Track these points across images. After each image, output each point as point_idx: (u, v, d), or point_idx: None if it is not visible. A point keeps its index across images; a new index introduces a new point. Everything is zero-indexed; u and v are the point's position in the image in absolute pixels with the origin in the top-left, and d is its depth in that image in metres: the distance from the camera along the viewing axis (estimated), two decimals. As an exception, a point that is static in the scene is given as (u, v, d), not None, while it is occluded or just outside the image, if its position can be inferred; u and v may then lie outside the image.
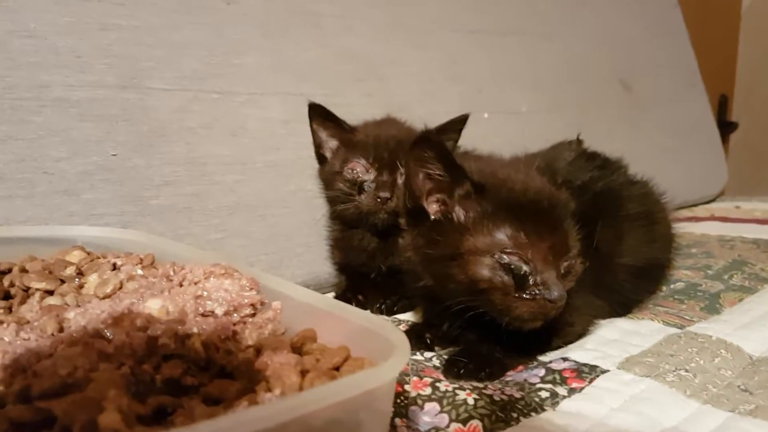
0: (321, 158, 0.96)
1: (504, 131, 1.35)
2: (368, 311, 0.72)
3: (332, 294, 0.95)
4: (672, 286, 0.96)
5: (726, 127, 2.85)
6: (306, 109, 0.97)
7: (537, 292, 0.62)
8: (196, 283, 0.60)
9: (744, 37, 3.22)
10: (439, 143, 0.67)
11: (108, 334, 0.51)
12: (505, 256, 0.62)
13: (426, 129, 0.91)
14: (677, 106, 1.91)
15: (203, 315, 0.57)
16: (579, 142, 0.72)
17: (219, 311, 0.57)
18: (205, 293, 0.58)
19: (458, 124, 0.94)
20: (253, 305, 0.58)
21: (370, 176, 0.88)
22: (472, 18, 1.41)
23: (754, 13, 3.13)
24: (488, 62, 1.40)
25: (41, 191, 0.78)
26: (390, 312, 0.88)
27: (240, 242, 0.93)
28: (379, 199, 0.85)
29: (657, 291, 0.89)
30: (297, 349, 0.51)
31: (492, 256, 0.63)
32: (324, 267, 1.01)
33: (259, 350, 0.51)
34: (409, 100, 1.18)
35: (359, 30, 1.18)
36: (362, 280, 0.94)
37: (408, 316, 0.87)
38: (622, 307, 0.82)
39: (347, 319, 0.52)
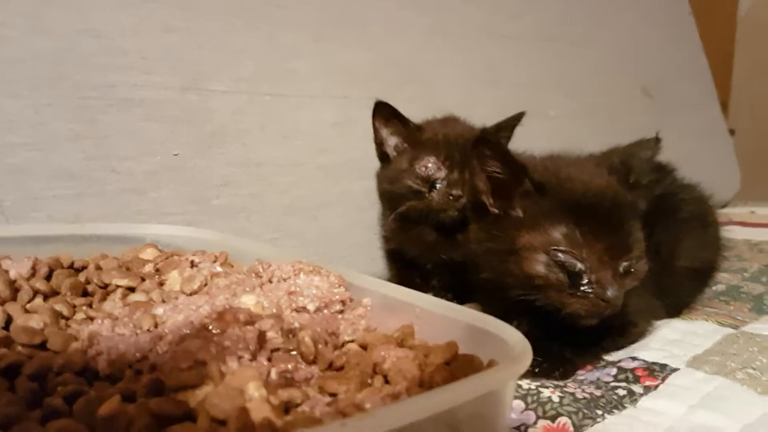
0: (383, 156, 0.97)
1: (534, 135, 1.36)
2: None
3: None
4: (714, 288, 0.97)
5: (724, 133, 2.89)
6: (353, 112, 0.99)
7: (591, 290, 0.63)
8: (285, 280, 0.61)
9: (740, 44, 3.27)
10: (496, 143, 0.69)
11: (214, 329, 0.52)
12: (559, 254, 0.64)
13: (484, 129, 0.94)
14: (694, 112, 1.94)
15: (296, 311, 0.58)
16: (657, 140, 0.73)
17: (311, 307, 0.58)
18: (297, 289, 0.59)
19: (514, 121, 0.97)
20: (342, 302, 0.59)
21: (442, 174, 0.89)
22: (507, 24, 1.43)
23: (751, 20, 3.17)
24: (521, 67, 1.42)
25: (110, 189, 0.79)
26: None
27: (294, 242, 0.95)
28: (451, 197, 0.87)
29: (704, 292, 0.91)
30: (399, 344, 0.53)
31: (547, 253, 0.64)
32: (371, 267, 1.03)
33: (363, 346, 0.52)
34: (450, 104, 1.19)
35: (403, 36, 1.20)
36: (414, 273, 0.95)
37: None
38: (675, 309, 0.84)
39: (444, 316, 0.54)
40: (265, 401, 0.39)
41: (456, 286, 0.91)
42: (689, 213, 0.82)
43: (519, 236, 0.66)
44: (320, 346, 0.51)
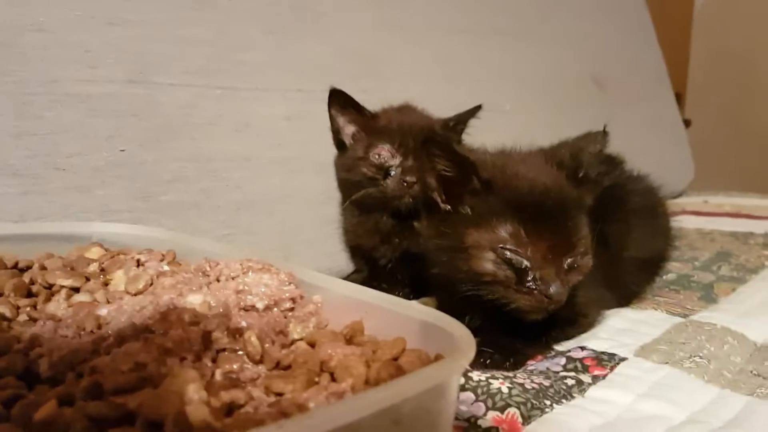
0: (339, 144, 0.97)
1: (489, 129, 1.37)
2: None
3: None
4: (664, 277, 0.99)
5: (679, 124, 2.96)
6: (308, 106, 0.99)
7: (535, 287, 0.64)
8: (234, 278, 0.60)
9: (696, 36, 3.33)
10: (445, 142, 0.69)
11: (157, 330, 0.51)
12: (506, 252, 0.65)
13: (440, 125, 0.95)
14: (646, 103, 1.97)
15: (245, 310, 0.57)
16: (605, 133, 0.74)
17: (260, 305, 0.57)
18: (246, 288, 0.58)
19: (471, 114, 0.99)
20: (293, 299, 0.59)
21: (396, 161, 0.90)
22: (462, 18, 1.43)
23: (706, 12, 3.23)
24: (478, 61, 1.42)
25: (55, 187, 0.77)
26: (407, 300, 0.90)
27: (248, 238, 0.93)
28: (405, 183, 0.87)
29: (654, 282, 0.93)
30: (348, 341, 0.52)
31: (494, 250, 0.65)
32: (328, 262, 1.02)
33: (311, 344, 0.52)
34: (405, 98, 1.19)
35: (357, 28, 1.19)
36: (380, 268, 0.96)
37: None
38: (625, 298, 0.85)
39: (392, 311, 0.53)
40: (205, 403, 0.38)
41: (420, 280, 0.91)
42: (638, 204, 0.83)
43: (467, 234, 0.67)
44: (267, 345, 0.50)
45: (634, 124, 1.87)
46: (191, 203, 0.88)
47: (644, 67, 2.04)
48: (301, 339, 0.54)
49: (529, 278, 0.64)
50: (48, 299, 0.63)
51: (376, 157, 0.91)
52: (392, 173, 0.90)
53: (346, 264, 1.04)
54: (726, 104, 3.16)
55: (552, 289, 0.63)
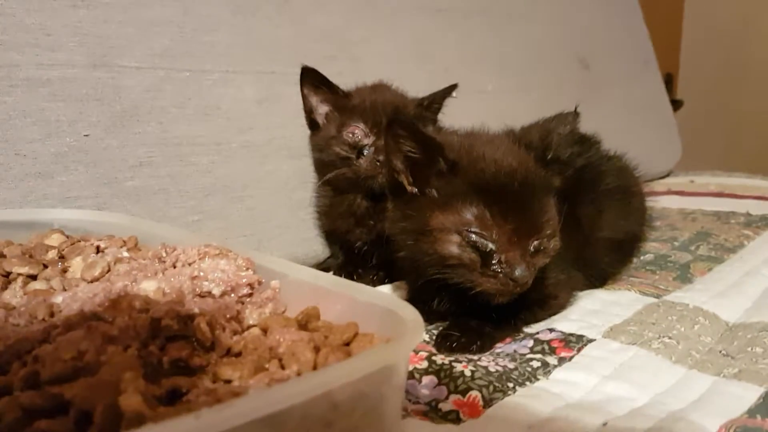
0: (313, 124, 0.96)
1: (470, 110, 1.35)
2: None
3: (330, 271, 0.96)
4: (642, 257, 0.98)
5: (671, 104, 2.94)
6: (279, 88, 0.97)
7: (501, 270, 0.63)
8: (190, 264, 0.59)
9: (688, 15, 3.31)
10: (410, 124, 0.68)
11: (107, 317, 0.50)
12: (471, 235, 0.64)
13: (413, 103, 0.93)
14: (633, 83, 1.95)
15: (200, 296, 0.56)
16: (576, 114, 0.73)
17: (216, 292, 0.56)
18: (201, 274, 0.57)
19: (446, 93, 0.97)
20: (250, 285, 0.58)
21: (369, 140, 0.89)
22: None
23: (699, -9, 3.22)
24: (455, 42, 1.40)
25: (14, 174, 0.76)
26: (381, 283, 0.89)
27: (217, 224, 0.92)
28: (378, 163, 0.87)
29: (630, 263, 0.92)
30: (302, 326, 0.51)
31: (459, 233, 0.64)
32: (302, 248, 1.01)
33: (264, 330, 0.51)
34: (380, 78, 1.18)
35: (330, 8, 1.16)
36: (355, 252, 0.95)
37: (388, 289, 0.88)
38: (599, 279, 0.84)
39: (349, 296, 0.52)
40: (137, 392, 0.37)
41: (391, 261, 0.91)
42: (611, 184, 0.82)
43: (432, 216, 0.66)
44: (218, 332, 0.49)
45: (620, 104, 1.85)
46: (158, 189, 0.87)
47: (630, 46, 2.01)
48: (255, 325, 0.53)
49: (494, 261, 0.63)
50: (4, 287, 0.62)
51: (350, 136, 0.90)
52: (365, 152, 0.89)
53: (321, 249, 1.03)
54: (718, 84, 3.15)
55: (517, 272, 0.62)
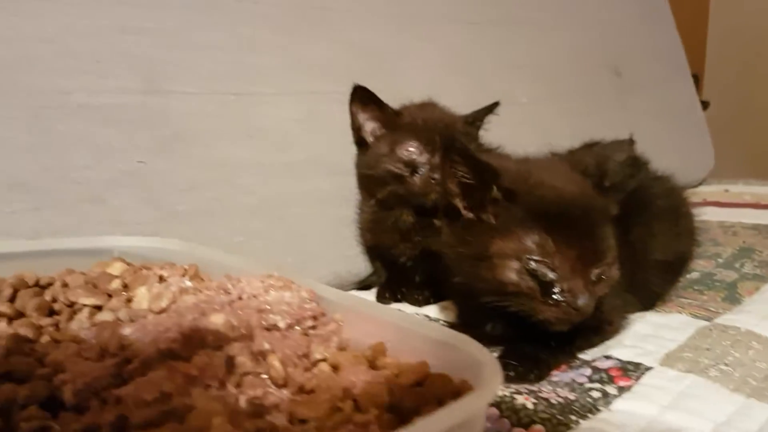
0: (361, 142, 0.97)
1: (506, 122, 1.36)
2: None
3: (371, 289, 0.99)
4: (688, 276, 0.98)
5: (697, 105, 2.92)
6: (319, 107, 1.00)
7: (563, 298, 0.63)
8: (256, 296, 0.60)
9: (714, 15, 3.28)
10: (465, 149, 0.68)
11: (182, 354, 0.50)
12: (532, 263, 0.64)
13: (461, 121, 0.94)
14: (665, 90, 1.93)
15: (267, 329, 0.57)
16: (631, 142, 0.73)
17: (282, 325, 0.57)
18: (268, 307, 0.58)
19: (488, 111, 0.99)
20: (314, 317, 0.58)
21: (424, 158, 0.90)
22: (472, 10, 1.41)
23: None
24: (489, 54, 1.40)
25: (69, 200, 0.77)
26: (426, 304, 0.90)
27: (262, 244, 0.92)
28: (433, 181, 0.87)
29: (678, 283, 0.91)
30: (370, 364, 0.52)
31: (519, 260, 0.64)
32: (344, 265, 1.01)
33: (334, 367, 0.51)
34: (416, 93, 1.18)
35: (367, 24, 1.17)
36: (398, 269, 0.96)
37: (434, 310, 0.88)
38: (649, 301, 0.84)
39: (416, 331, 0.53)
40: (230, 438, 0.38)
41: (439, 281, 0.91)
42: (662, 206, 0.82)
43: (491, 243, 0.66)
44: (290, 369, 0.50)
45: (652, 111, 1.84)
46: (205, 211, 0.88)
47: (662, 51, 2.00)
48: (323, 359, 0.53)
49: (556, 290, 0.63)
50: (70, 318, 0.62)
51: (405, 153, 0.91)
52: (420, 171, 0.90)
53: (363, 267, 1.04)
54: (745, 85, 3.11)
55: (580, 302, 0.62)
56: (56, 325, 0.61)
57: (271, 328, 0.57)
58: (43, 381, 0.49)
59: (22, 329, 0.58)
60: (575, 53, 1.65)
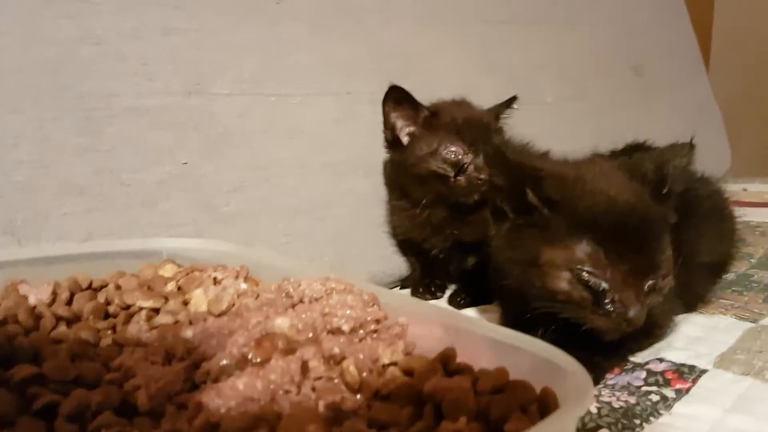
0: (394, 141, 0.97)
1: (532, 121, 1.36)
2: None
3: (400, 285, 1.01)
4: (724, 276, 0.98)
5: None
6: (355, 107, 1.02)
7: (614, 309, 0.63)
8: (317, 299, 0.60)
9: (718, 14, 3.28)
10: (503, 155, 0.69)
11: (257, 359, 0.51)
12: (584, 273, 0.63)
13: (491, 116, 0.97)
14: (684, 89, 1.94)
15: (331, 332, 0.57)
16: (692, 146, 0.73)
17: (346, 328, 0.57)
18: (331, 310, 0.58)
19: (509, 104, 1.01)
20: (377, 321, 0.58)
21: (468, 159, 0.91)
22: (499, 8, 1.41)
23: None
24: (517, 52, 1.41)
25: (120, 203, 0.77)
26: (468, 306, 0.91)
27: (304, 244, 0.93)
28: (479, 181, 0.88)
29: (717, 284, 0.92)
30: (446, 369, 0.52)
31: (570, 270, 0.64)
32: (380, 265, 1.02)
33: (408, 371, 0.51)
34: (446, 92, 1.18)
35: (400, 24, 1.17)
36: (431, 261, 0.97)
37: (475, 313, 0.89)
38: (692, 302, 0.84)
39: (490, 337, 0.53)
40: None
41: (469, 274, 0.93)
42: (708, 208, 0.82)
43: (541, 250, 0.65)
44: (365, 374, 0.50)
45: (672, 109, 1.85)
46: (250, 212, 0.88)
47: (679, 51, 2.01)
48: (392, 364, 0.53)
49: (607, 300, 0.63)
50: (127, 321, 0.63)
51: (451, 154, 0.91)
52: (466, 170, 0.90)
53: (397, 266, 1.04)
54: (750, 84, 3.11)
55: (631, 313, 0.62)
56: (113, 328, 0.62)
57: (335, 331, 0.57)
58: (114, 386, 0.50)
59: (84, 332, 0.58)
60: (599, 52, 1.66)
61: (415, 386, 0.48)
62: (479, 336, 0.53)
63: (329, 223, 0.97)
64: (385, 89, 0.95)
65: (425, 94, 1.12)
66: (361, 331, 0.58)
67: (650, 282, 0.64)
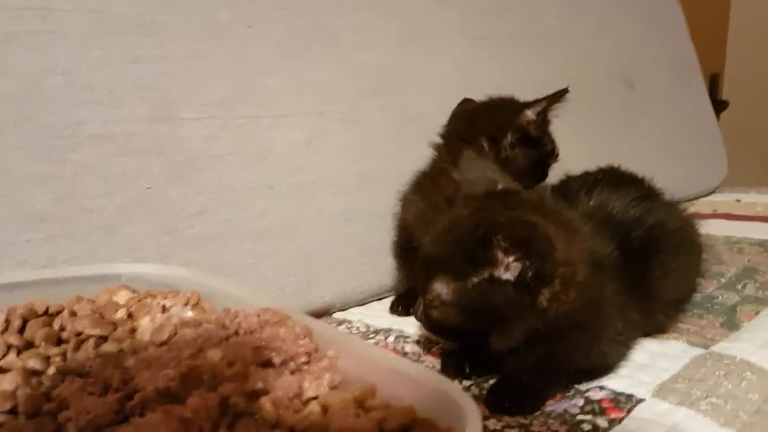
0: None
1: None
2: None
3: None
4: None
5: (717, 105, 2.89)
6: (326, 127, 1.06)
7: None
8: (252, 332, 0.62)
9: (734, 14, 3.25)
10: None
11: (179, 394, 0.53)
12: None
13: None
14: (677, 98, 1.93)
15: (262, 365, 0.59)
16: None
17: (276, 361, 0.59)
18: (263, 344, 0.60)
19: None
20: (308, 353, 0.60)
21: None
22: (478, 25, 1.42)
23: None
24: (497, 68, 1.41)
25: (82, 229, 0.80)
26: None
27: (270, 265, 0.95)
28: None
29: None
30: (359, 404, 0.53)
31: None
32: (349, 283, 1.04)
33: (324, 407, 0.53)
34: (424, 111, 1.20)
35: (373, 44, 1.19)
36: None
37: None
38: (654, 331, 0.85)
39: (403, 373, 0.54)
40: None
41: None
42: (677, 242, 0.83)
43: None
44: (281, 411, 0.52)
45: (662, 120, 1.84)
46: (216, 234, 0.90)
47: (674, 58, 1.99)
48: (315, 398, 0.55)
49: None
50: (77, 347, 0.65)
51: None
52: None
53: (367, 284, 1.05)
54: (766, 84, 3.08)
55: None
56: (64, 354, 0.64)
57: (266, 364, 0.59)
58: (48, 417, 0.52)
59: (31, 361, 0.61)
60: (584, 65, 1.66)
61: (327, 425, 0.50)
62: (400, 374, 0.55)
63: (297, 243, 0.99)
64: (357, 108, 0.97)
65: (399, 113, 1.14)
66: (292, 364, 0.60)
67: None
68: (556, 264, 0.64)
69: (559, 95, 1.02)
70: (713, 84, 3.08)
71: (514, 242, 0.63)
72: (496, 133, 0.98)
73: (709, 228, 1.40)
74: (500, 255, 0.64)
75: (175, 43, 0.92)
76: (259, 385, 0.54)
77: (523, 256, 0.63)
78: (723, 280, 1.07)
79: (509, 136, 0.98)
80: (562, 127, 1.48)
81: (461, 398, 0.48)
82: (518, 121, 0.99)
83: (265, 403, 0.52)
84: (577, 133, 1.51)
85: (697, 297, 0.99)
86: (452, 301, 0.67)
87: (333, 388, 0.57)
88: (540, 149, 1.00)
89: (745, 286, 1.04)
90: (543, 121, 1.01)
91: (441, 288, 0.67)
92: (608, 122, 1.65)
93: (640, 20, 1.89)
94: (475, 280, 0.65)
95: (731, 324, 0.89)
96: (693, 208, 1.67)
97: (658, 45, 1.93)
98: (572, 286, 0.66)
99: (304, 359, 0.60)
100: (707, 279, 1.06)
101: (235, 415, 0.52)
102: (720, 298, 0.99)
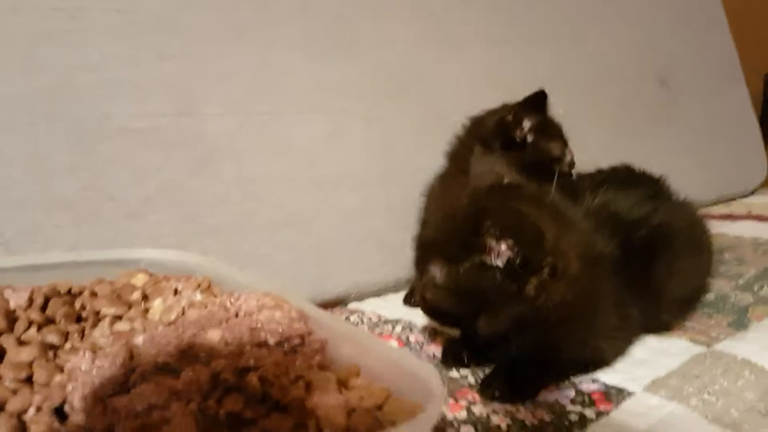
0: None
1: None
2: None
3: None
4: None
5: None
6: (347, 123, 1.09)
7: None
8: (250, 315, 0.66)
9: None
10: None
11: (176, 367, 0.57)
12: None
13: None
14: (716, 98, 1.89)
15: (258, 345, 0.62)
16: None
17: (271, 342, 0.62)
18: (259, 325, 0.64)
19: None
20: (301, 336, 0.64)
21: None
22: (503, 28, 1.43)
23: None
24: (522, 69, 1.42)
25: (107, 216, 0.85)
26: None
27: (287, 257, 0.99)
28: None
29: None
30: (342, 383, 0.56)
31: None
32: (363, 277, 1.07)
33: (308, 384, 0.57)
34: (447, 110, 1.21)
35: (395, 45, 1.22)
36: None
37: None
38: (660, 329, 0.85)
39: (387, 356, 0.57)
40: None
41: None
42: (683, 242, 0.83)
43: None
44: (267, 386, 0.55)
45: (701, 121, 1.81)
46: (234, 224, 0.95)
47: (713, 56, 1.95)
48: (302, 376, 0.58)
49: None
50: (95, 325, 0.70)
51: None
52: None
53: (381, 277, 1.08)
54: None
55: None
56: (83, 331, 0.69)
57: (262, 345, 0.62)
58: (58, 386, 0.57)
59: (50, 336, 0.66)
60: (614, 65, 1.64)
61: (305, 400, 0.53)
62: (381, 356, 0.58)
63: (314, 235, 1.03)
64: (379, 106, 1.00)
65: (421, 113, 1.16)
66: (286, 345, 0.63)
67: None
68: (543, 253, 0.66)
69: (532, 99, 1.05)
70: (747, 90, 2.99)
71: (503, 229, 0.65)
72: (488, 139, 1.00)
73: (739, 229, 1.40)
74: (491, 241, 0.66)
75: (199, 42, 0.97)
76: (251, 362, 0.58)
77: (512, 242, 0.65)
78: (741, 281, 1.06)
79: (497, 143, 0.99)
80: (585, 127, 1.49)
81: (431, 378, 0.50)
82: (501, 126, 1.01)
83: (252, 378, 0.55)
84: (604, 131, 1.51)
85: (711, 297, 0.99)
86: (445, 284, 0.69)
87: (322, 368, 0.60)
88: (538, 155, 1.01)
89: (762, 287, 1.02)
90: (538, 126, 1.02)
91: (435, 271, 0.70)
92: (640, 122, 1.63)
93: (678, 15, 1.86)
94: (467, 264, 0.67)
95: (739, 324, 0.88)
96: (728, 209, 1.65)
97: (697, 43, 1.90)
98: (562, 278, 0.67)
99: (297, 341, 0.63)
100: (726, 279, 1.06)
101: (225, 389, 0.55)
102: (734, 298, 0.98)
